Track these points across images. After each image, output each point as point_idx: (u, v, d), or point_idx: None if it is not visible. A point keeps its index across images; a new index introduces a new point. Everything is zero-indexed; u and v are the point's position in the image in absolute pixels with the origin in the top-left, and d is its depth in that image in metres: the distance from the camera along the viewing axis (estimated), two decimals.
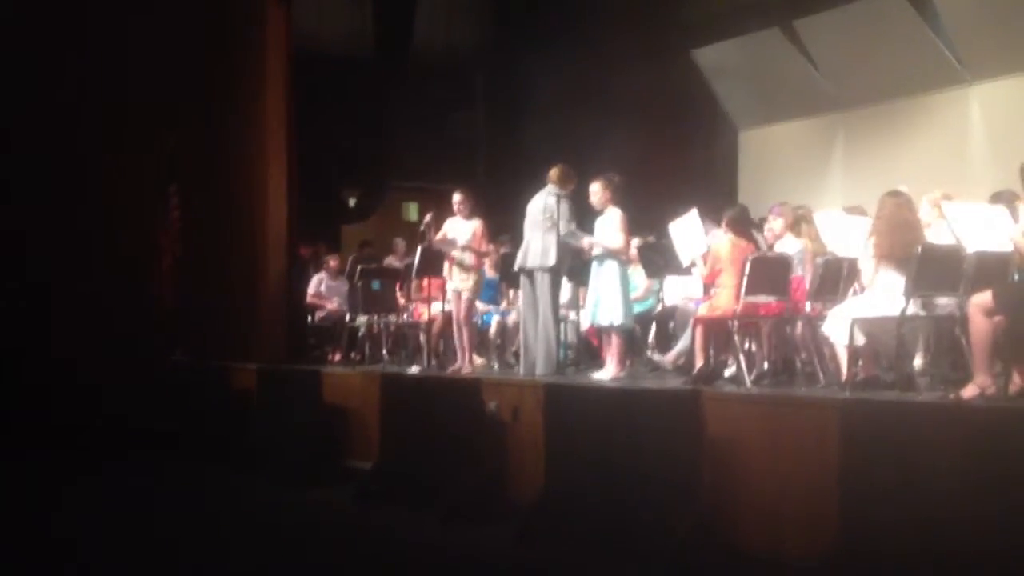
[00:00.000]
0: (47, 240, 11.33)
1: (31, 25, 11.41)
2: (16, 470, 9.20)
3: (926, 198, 7.43)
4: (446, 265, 9.01)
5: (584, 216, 8.32)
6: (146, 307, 11.48)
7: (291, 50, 11.32)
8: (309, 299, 11.56)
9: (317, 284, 11.66)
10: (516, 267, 8.42)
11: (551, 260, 8.13)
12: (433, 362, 9.68)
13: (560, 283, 8.42)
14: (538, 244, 8.20)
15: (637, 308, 9.24)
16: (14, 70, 11.34)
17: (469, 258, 8.81)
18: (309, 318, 11.45)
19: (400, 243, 12.70)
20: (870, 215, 7.38)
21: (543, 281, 8.20)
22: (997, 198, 7.19)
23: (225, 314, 11.40)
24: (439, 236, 9.03)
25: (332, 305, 11.41)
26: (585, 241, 8.09)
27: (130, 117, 11.68)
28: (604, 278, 8.01)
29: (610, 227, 8.03)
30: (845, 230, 7.40)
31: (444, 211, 9.43)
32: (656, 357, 8.82)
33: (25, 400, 10.74)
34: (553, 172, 8.32)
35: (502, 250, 10.31)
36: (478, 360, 9.47)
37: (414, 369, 9.46)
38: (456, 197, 9.03)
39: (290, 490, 8.29)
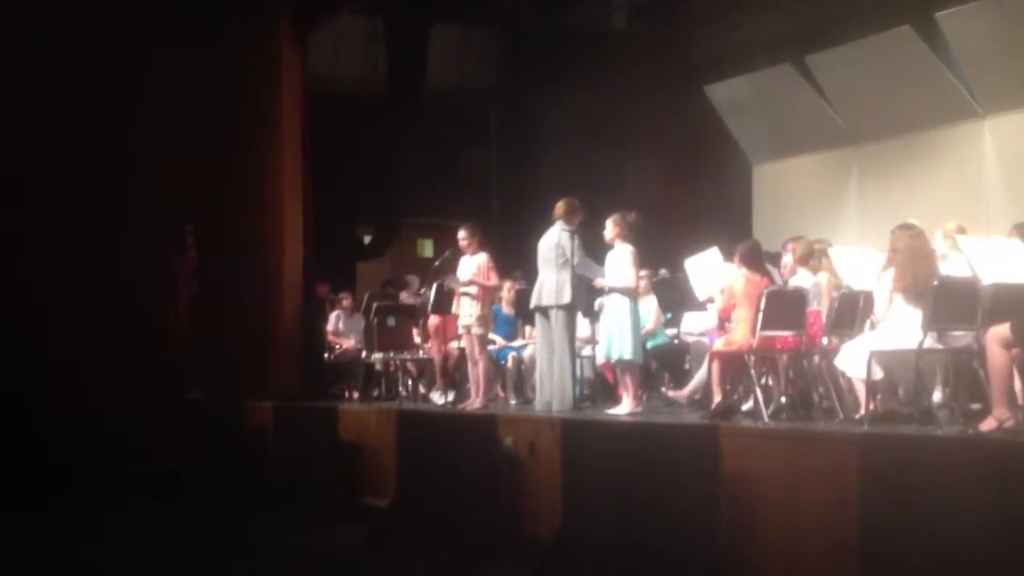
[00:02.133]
0: (64, 279, 11.40)
1: (49, 65, 11.54)
2: (32, 509, 9.20)
3: (939, 231, 7.41)
4: (455, 301, 9.03)
5: (595, 250, 8.33)
6: (163, 345, 11.51)
7: (306, 90, 11.43)
8: (328, 337, 11.57)
9: (335, 322, 11.69)
10: (532, 305, 8.41)
11: (566, 297, 8.12)
12: (449, 398, 9.68)
13: (575, 320, 8.41)
14: (552, 282, 8.20)
15: (650, 343, 9.23)
16: (33, 112, 11.47)
17: (473, 292, 8.79)
18: (326, 355, 11.47)
19: (414, 280, 12.74)
20: (881, 250, 7.37)
21: (558, 318, 8.19)
22: (1020, 229, 7.13)
23: (241, 352, 11.43)
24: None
25: (349, 343, 11.43)
26: (597, 281, 8.10)
27: (148, 156, 11.78)
28: (613, 313, 8.01)
29: (620, 263, 8.04)
30: (859, 264, 7.39)
31: (459, 248, 9.45)
32: (671, 393, 8.80)
33: (38, 439, 10.77)
34: (559, 207, 8.32)
35: (517, 286, 10.33)
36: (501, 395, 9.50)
37: (435, 396, 9.51)
38: (461, 234, 8.98)
39: (306, 528, 8.27)
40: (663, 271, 10.03)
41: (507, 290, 10.17)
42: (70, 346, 11.24)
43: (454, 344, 9.65)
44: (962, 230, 7.35)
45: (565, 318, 8.19)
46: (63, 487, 9.94)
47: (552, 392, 8.17)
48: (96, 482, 10.07)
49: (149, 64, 11.79)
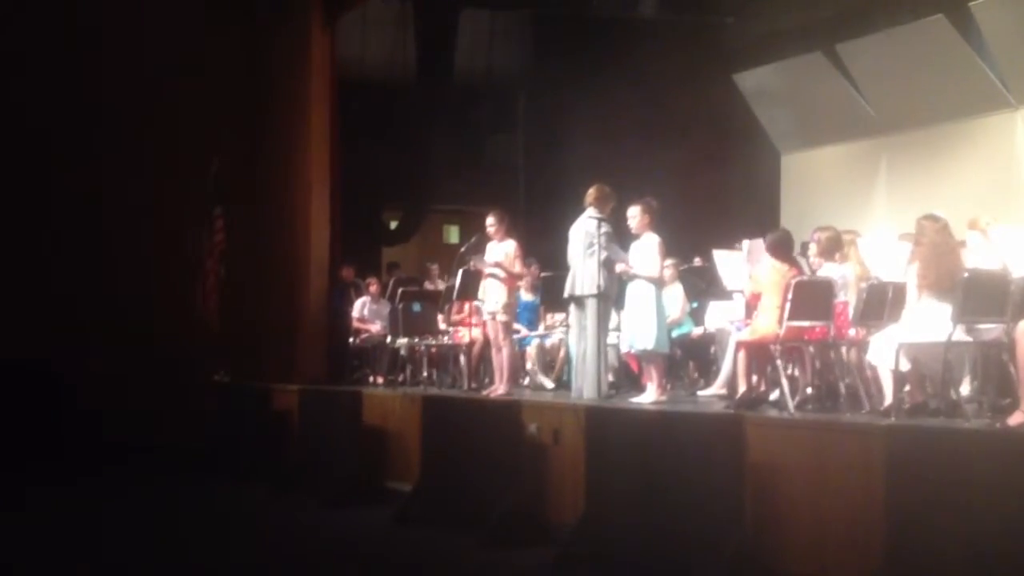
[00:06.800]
0: (93, 261, 11.49)
1: (79, 50, 11.61)
2: (62, 491, 9.29)
3: (968, 223, 7.34)
4: (480, 286, 9.02)
5: (623, 238, 8.29)
6: (190, 328, 11.59)
7: (335, 75, 11.45)
8: (354, 323, 11.60)
9: (361, 308, 11.71)
10: (565, 294, 8.37)
11: (600, 287, 8.07)
12: (473, 384, 9.69)
13: (610, 309, 8.36)
14: (585, 271, 8.15)
15: (675, 332, 9.20)
16: (63, 95, 11.55)
17: (501, 275, 8.77)
18: (352, 340, 11.50)
19: (433, 267, 12.72)
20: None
21: (592, 307, 8.15)
22: None
23: (267, 335, 11.49)
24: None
25: (375, 327, 11.46)
26: (618, 267, 8.06)
27: (177, 140, 11.85)
28: (638, 303, 7.97)
29: (646, 252, 8.00)
30: (888, 255, 7.34)
31: (486, 234, 9.43)
32: (704, 393, 8.78)
33: (69, 420, 10.88)
34: (590, 193, 8.26)
35: (541, 273, 10.31)
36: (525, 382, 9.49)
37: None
38: (489, 220, 8.90)
39: (330, 511, 8.32)
40: (697, 260, 9.97)
41: (524, 275, 10.11)
42: (98, 329, 11.35)
43: (476, 329, 9.65)
44: (988, 223, 7.29)
45: (599, 307, 8.15)
46: (91, 464, 10.05)
47: (584, 382, 8.16)
48: (122, 460, 10.18)
49: (180, 47, 11.85)
